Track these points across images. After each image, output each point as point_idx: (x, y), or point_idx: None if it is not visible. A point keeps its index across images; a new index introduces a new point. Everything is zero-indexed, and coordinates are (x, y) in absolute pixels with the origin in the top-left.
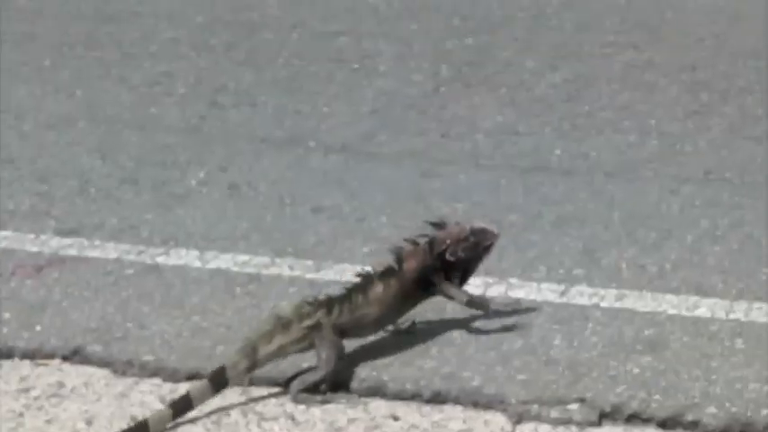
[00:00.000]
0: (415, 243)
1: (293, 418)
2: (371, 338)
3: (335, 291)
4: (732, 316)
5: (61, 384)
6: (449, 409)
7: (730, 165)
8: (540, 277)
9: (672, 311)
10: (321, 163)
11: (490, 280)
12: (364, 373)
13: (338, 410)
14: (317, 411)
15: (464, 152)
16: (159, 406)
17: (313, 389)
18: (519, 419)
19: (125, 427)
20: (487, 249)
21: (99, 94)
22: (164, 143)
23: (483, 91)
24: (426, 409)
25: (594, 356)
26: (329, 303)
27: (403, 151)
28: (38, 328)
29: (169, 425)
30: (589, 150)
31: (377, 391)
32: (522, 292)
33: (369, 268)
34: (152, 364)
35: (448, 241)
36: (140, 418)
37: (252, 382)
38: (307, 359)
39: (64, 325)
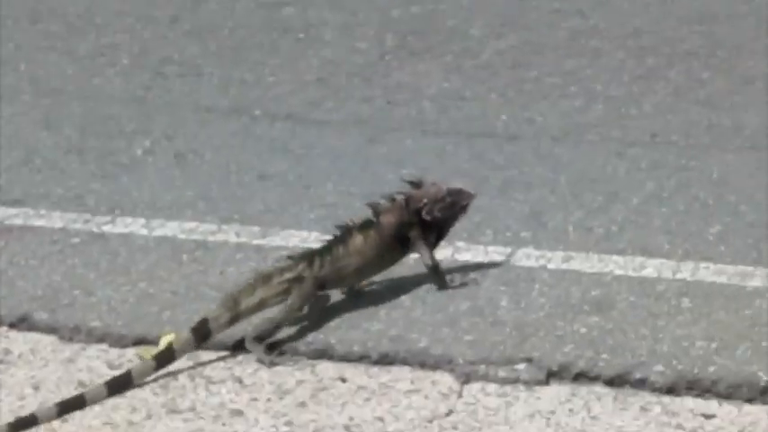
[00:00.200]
0: (392, 199)
1: (241, 382)
2: (318, 301)
3: (317, 245)
4: (678, 276)
5: (8, 351)
6: (396, 370)
7: (676, 128)
8: (487, 240)
9: (618, 272)
10: (267, 131)
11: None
12: (311, 335)
13: (286, 372)
14: (264, 374)
15: (410, 118)
16: (106, 371)
17: (265, 337)
18: (467, 379)
19: (72, 391)
20: (463, 209)
21: (43, 66)
22: (109, 113)
23: (428, 58)
24: (374, 370)
25: (541, 317)
26: (310, 256)
27: (348, 118)
28: None
29: (152, 376)
30: (535, 115)
31: (324, 354)
32: (470, 254)
33: (347, 221)
34: (99, 330)
35: (425, 200)
36: (88, 383)
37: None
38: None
39: (10, 293)
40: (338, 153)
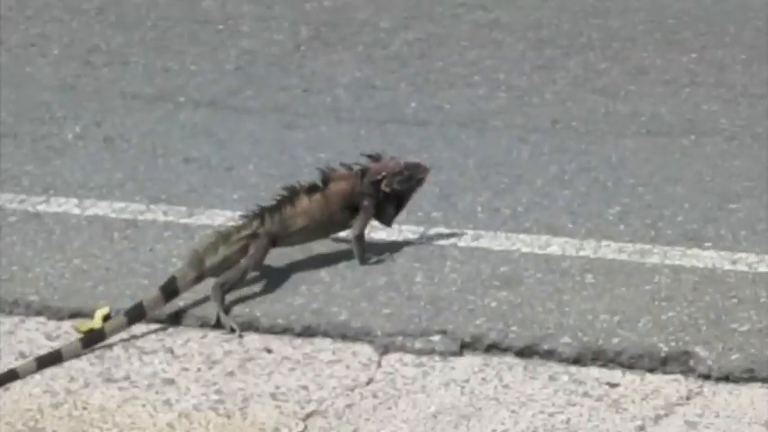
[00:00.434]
0: (349, 168)
1: (172, 352)
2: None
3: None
4: (582, 253)
5: None
6: (319, 341)
7: (575, 115)
8: (401, 220)
9: (525, 250)
10: (190, 117)
11: None
12: (238, 309)
13: (215, 344)
14: (194, 345)
15: (325, 106)
16: (45, 342)
17: (226, 290)
18: (385, 350)
19: (13, 362)
20: (420, 183)
21: None
22: (41, 100)
23: (341, 49)
24: (298, 342)
25: (454, 292)
26: (262, 214)
27: (267, 105)
28: None
29: (123, 331)
30: (442, 103)
31: (250, 326)
32: (384, 233)
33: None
34: (37, 304)
35: (383, 173)
36: (28, 353)
37: None
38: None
39: None
40: (258, 138)
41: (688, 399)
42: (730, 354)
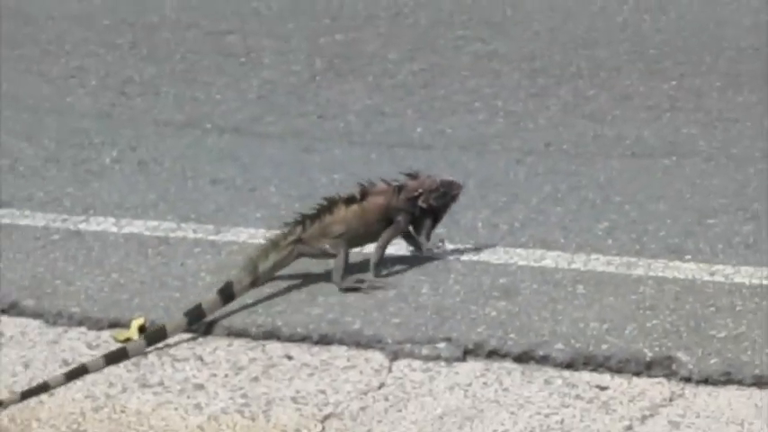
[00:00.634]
0: (388, 183)
1: (202, 360)
2: (266, 290)
3: (307, 210)
4: (573, 266)
5: (1, 334)
6: (335, 348)
7: (566, 138)
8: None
9: (522, 263)
10: (216, 142)
11: None
12: (261, 319)
13: (240, 352)
14: (221, 353)
15: (338, 131)
16: (86, 351)
17: (347, 274)
18: (395, 356)
19: (58, 369)
20: (454, 199)
21: (22, 86)
22: (80, 127)
23: (352, 79)
24: (315, 349)
25: (457, 302)
26: (303, 220)
27: (286, 131)
28: None
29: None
30: (445, 128)
31: (272, 335)
32: (393, 249)
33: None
34: (78, 315)
35: (420, 190)
36: (70, 361)
37: None
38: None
39: (1, 283)
40: (278, 161)
41: (671, 400)
42: (709, 358)
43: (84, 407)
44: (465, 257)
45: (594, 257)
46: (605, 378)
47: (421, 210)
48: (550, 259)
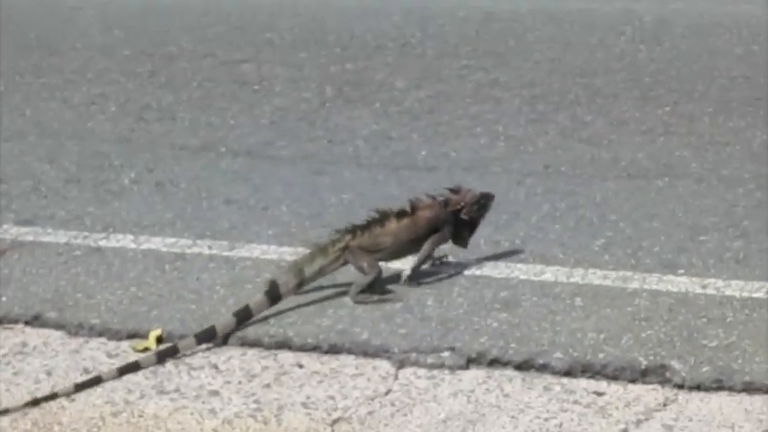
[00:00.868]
0: (433, 198)
1: (216, 368)
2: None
3: (358, 221)
4: (572, 280)
5: (25, 344)
6: (343, 357)
7: (564, 161)
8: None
9: (522, 277)
10: (230, 164)
11: None
12: (273, 330)
13: (253, 360)
14: (236, 361)
15: (347, 154)
16: (106, 360)
17: (366, 291)
18: (401, 365)
19: (79, 377)
20: (488, 208)
21: (45, 112)
22: (100, 151)
23: (361, 106)
24: (325, 358)
25: (461, 314)
26: (354, 230)
27: (297, 154)
28: (3, 299)
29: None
30: (449, 151)
31: (284, 344)
32: (399, 263)
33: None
34: (99, 327)
35: (462, 203)
36: (91, 369)
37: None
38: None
39: (25, 296)
40: (289, 182)
41: (665, 405)
42: (701, 366)
43: (103, 411)
44: (468, 272)
45: (592, 272)
46: (602, 385)
47: (461, 221)
48: (550, 273)
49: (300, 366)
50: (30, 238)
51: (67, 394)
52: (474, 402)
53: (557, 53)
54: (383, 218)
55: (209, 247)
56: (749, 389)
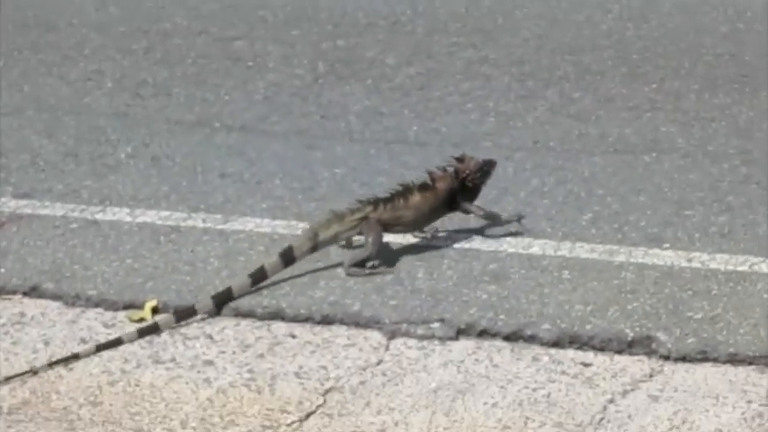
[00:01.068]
0: (444, 170)
1: (211, 338)
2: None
3: (381, 193)
4: (559, 253)
5: (23, 314)
6: (336, 328)
7: (553, 136)
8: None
9: (511, 250)
10: (225, 139)
11: None
12: (266, 301)
13: (246, 331)
14: (230, 332)
15: (339, 130)
16: (102, 330)
17: (361, 264)
18: (392, 336)
19: (75, 347)
20: (490, 175)
21: (43, 88)
22: (97, 126)
23: (353, 82)
24: (318, 328)
25: (451, 286)
26: (376, 202)
27: (290, 129)
28: (2, 270)
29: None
30: (440, 127)
31: (277, 315)
32: (391, 237)
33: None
34: (95, 297)
35: (467, 171)
36: (88, 339)
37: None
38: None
39: (23, 268)
40: (282, 157)
41: (651, 376)
42: (686, 338)
43: (100, 381)
44: (458, 245)
45: (579, 245)
46: (589, 355)
47: (466, 187)
48: (538, 247)
49: (293, 337)
50: (28, 210)
51: (88, 354)
52: (464, 372)
53: (545, 30)
54: (406, 191)
55: (204, 221)
56: (733, 360)
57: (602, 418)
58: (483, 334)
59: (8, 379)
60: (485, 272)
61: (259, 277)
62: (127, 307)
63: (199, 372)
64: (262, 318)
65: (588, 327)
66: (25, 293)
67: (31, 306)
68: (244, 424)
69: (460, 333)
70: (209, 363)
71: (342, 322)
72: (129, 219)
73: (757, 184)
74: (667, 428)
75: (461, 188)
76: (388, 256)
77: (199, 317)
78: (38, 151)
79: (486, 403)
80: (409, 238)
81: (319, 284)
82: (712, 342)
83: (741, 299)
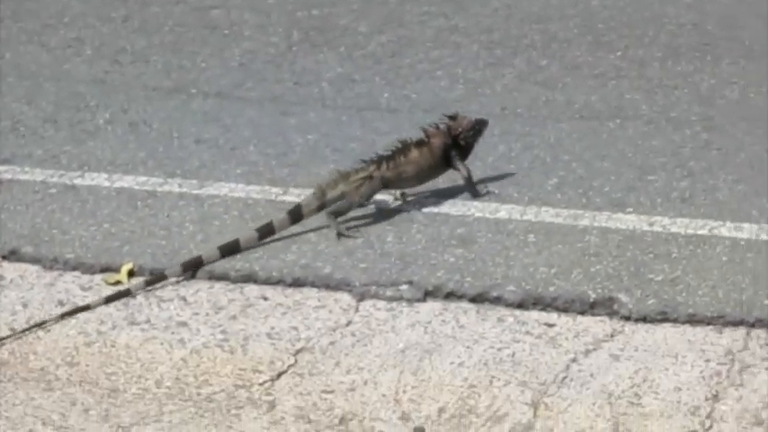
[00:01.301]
0: (437, 127)
1: (185, 300)
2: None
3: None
4: (525, 217)
5: (2, 278)
6: (306, 290)
7: (520, 103)
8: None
9: (478, 215)
10: (201, 105)
11: None
12: (239, 264)
13: (220, 293)
14: (203, 294)
15: (313, 96)
16: (79, 292)
17: (340, 214)
18: (362, 298)
19: (54, 309)
20: (481, 133)
21: (24, 55)
22: (76, 92)
23: (326, 50)
24: (289, 291)
25: (419, 249)
26: (379, 160)
27: (265, 96)
28: None
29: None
30: (410, 93)
31: (250, 278)
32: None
33: (407, 139)
34: (73, 261)
35: (460, 129)
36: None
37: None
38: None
39: (2, 232)
40: (257, 123)
41: (612, 336)
42: (647, 299)
43: (77, 342)
44: (426, 209)
45: (545, 210)
46: (553, 316)
47: (459, 145)
48: (504, 211)
49: (265, 299)
50: (8, 176)
51: (138, 288)
52: (431, 333)
53: (513, 0)
54: (405, 148)
55: (180, 186)
56: (692, 320)
57: (565, 377)
58: (450, 296)
59: None
60: (452, 236)
61: (266, 232)
62: (104, 270)
63: (173, 333)
64: (235, 280)
65: (552, 288)
66: (4, 257)
67: (10, 270)
68: (217, 383)
69: (428, 295)
70: (183, 324)
71: (312, 285)
72: (107, 184)
73: (718, 150)
74: (628, 386)
75: (454, 145)
76: (360, 221)
77: (173, 280)
78: (18, 117)
79: (452, 363)
80: (379, 203)
81: (291, 248)
82: (672, 303)
83: (700, 261)
